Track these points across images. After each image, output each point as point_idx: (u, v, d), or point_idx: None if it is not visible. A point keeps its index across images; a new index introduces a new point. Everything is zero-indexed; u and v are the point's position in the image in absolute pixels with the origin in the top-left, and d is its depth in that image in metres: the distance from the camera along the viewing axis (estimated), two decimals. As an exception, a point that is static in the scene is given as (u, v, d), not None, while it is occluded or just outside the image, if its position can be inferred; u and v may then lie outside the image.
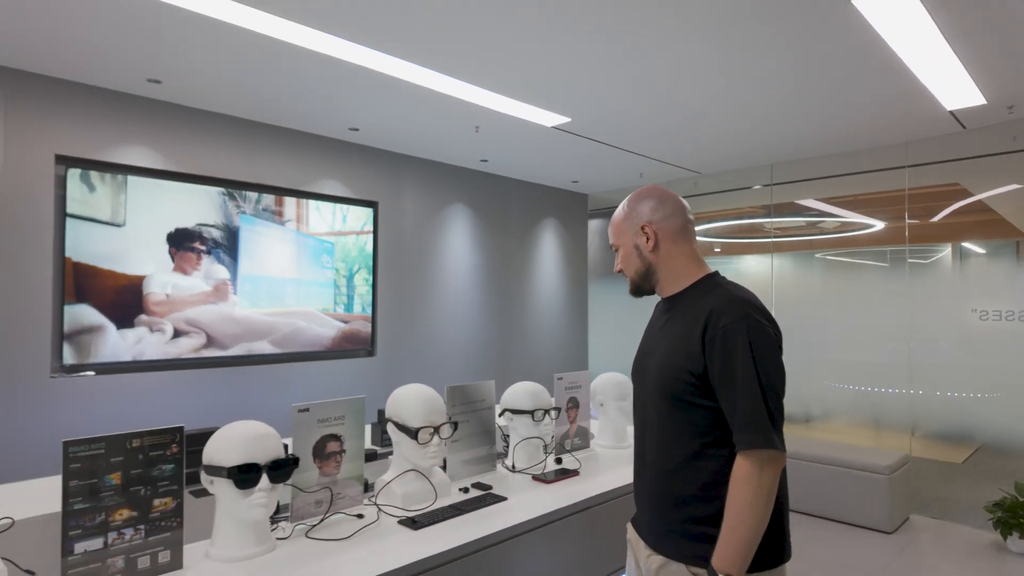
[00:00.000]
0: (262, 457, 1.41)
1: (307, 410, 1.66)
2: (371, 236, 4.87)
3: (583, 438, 2.44)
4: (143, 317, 3.68)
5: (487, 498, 1.84)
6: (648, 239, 1.41)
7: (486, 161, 5.34)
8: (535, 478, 2.06)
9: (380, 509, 1.73)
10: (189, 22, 2.67)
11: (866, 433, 5.13)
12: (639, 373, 1.48)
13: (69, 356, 3.41)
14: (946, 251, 4.81)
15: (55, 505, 1.75)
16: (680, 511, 1.31)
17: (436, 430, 1.79)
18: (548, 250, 6.43)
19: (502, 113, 3.92)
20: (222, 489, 1.39)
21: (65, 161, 3.42)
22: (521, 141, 4.65)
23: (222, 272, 4.05)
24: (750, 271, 6.10)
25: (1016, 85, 3.45)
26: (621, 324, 6.76)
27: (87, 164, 3.49)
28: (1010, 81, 3.38)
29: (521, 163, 5.45)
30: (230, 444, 1.40)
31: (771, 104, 3.82)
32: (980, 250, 4.74)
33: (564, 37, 2.84)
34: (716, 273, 1.42)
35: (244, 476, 1.37)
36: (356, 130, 4.39)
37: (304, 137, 4.43)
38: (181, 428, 1.35)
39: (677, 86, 3.50)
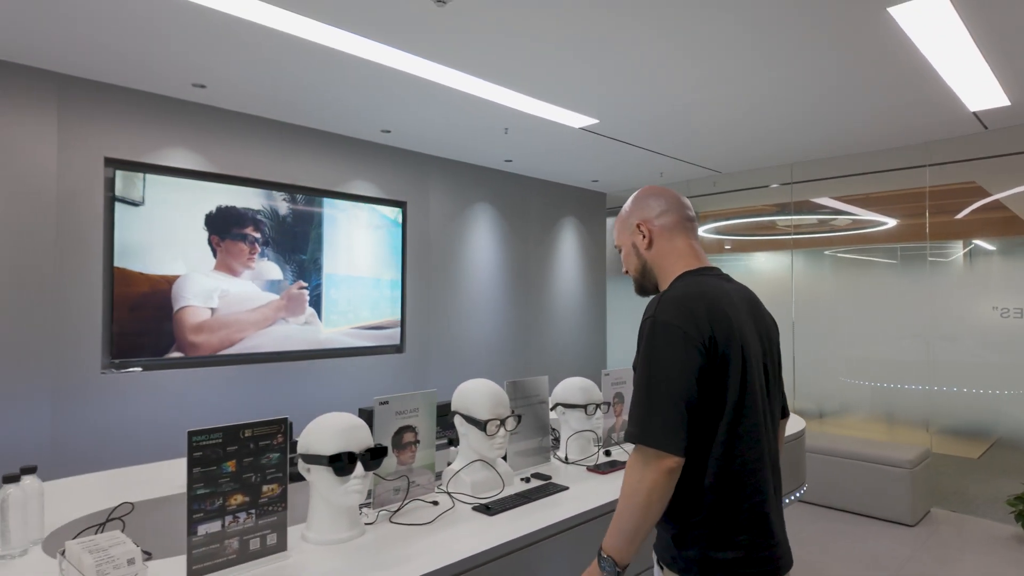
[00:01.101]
0: (356, 446, 1.52)
1: (387, 403, 1.76)
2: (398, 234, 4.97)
3: (621, 428, 2.54)
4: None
5: (549, 487, 1.94)
6: (644, 237, 1.42)
7: (510, 161, 5.43)
8: (590, 469, 2.16)
9: (452, 496, 1.83)
10: (233, 27, 2.75)
11: (881, 428, 5.22)
12: None
13: (118, 352, 3.52)
14: (963, 249, 4.88)
15: (142, 493, 1.86)
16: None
17: (502, 422, 1.89)
18: (567, 248, 6.52)
19: (532, 115, 4.01)
20: (319, 476, 1.49)
21: (113, 164, 3.52)
22: (547, 142, 4.74)
23: (279, 271, 4.15)
24: (762, 268, 6.20)
25: (1040, 87, 3.52)
26: (638, 321, 6.84)
27: (134, 166, 3.59)
28: (1035, 84, 3.46)
29: (544, 163, 5.54)
30: (328, 434, 1.50)
31: (797, 106, 3.90)
32: (991, 248, 4.82)
33: (597, 41, 2.92)
34: (700, 269, 1.37)
35: (342, 464, 1.47)
36: (388, 132, 4.49)
37: (338, 139, 4.53)
38: (286, 419, 1.45)
39: (707, 89, 3.58)
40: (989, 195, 4.82)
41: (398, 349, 4.97)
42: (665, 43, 2.95)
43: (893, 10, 2.60)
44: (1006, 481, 4.31)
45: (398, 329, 4.94)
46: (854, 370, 5.32)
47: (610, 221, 7.08)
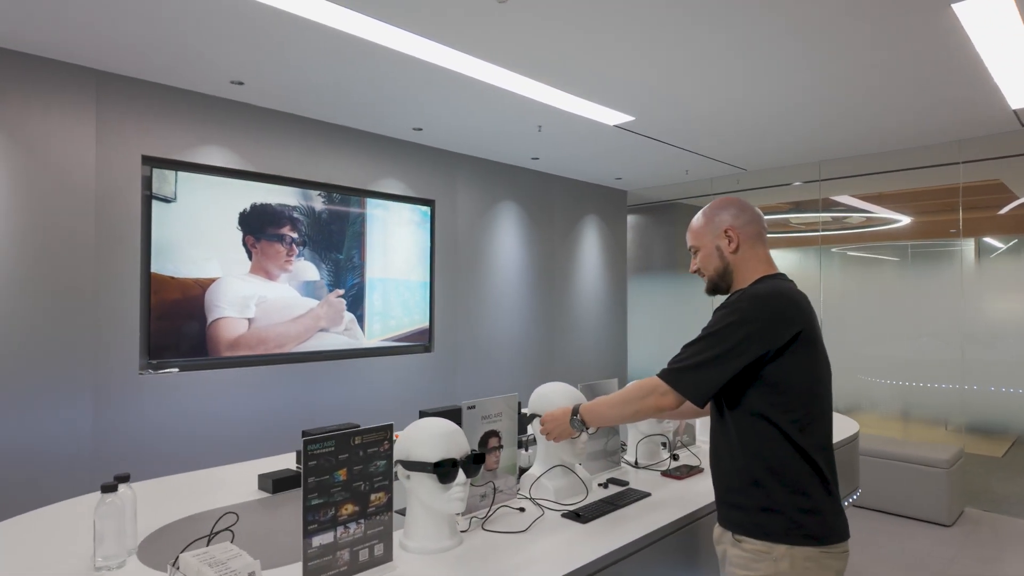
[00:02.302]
0: (457, 452, 1.48)
1: (474, 407, 1.72)
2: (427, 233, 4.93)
3: (690, 435, 2.51)
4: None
5: (630, 493, 1.91)
6: (730, 241, 1.55)
7: (537, 159, 5.39)
8: (665, 474, 2.13)
9: (535, 502, 1.79)
10: (272, 20, 2.68)
11: (906, 426, 5.21)
12: None
13: (155, 353, 3.47)
14: (1002, 246, 4.86)
15: (203, 503, 1.82)
16: (721, 482, 1.52)
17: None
18: (590, 246, 6.49)
19: (567, 112, 3.97)
20: (421, 483, 1.46)
21: (150, 162, 3.47)
22: (577, 139, 4.70)
23: (316, 272, 4.11)
24: (784, 266, 6.18)
25: (1087, 85, 3.49)
26: (659, 318, 6.83)
27: (171, 164, 3.54)
28: (1083, 81, 3.43)
29: (571, 161, 5.50)
30: (431, 440, 1.46)
31: (834, 105, 3.87)
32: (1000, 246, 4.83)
33: (638, 38, 2.87)
34: (778, 275, 1.54)
35: (446, 470, 1.43)
36: (420, 130, 4.44)
37: (369, 137, 4.48)
38: (391, 426, 1.41)
39: (749, 87, 3.55)
40: (1014, 194, 4.81)
41: (427, 348, 4.93)
42: (711, 40, 2.92)
43: (957, 6, 2.57)
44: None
45: (427, 329, 4.90)
46: (879, 368, 5.30)
47: (630, 219, 7.05)
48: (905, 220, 5.40)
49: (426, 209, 4.91)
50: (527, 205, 5.75)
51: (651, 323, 6.90)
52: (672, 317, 6.73)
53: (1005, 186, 4.92)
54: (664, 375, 1.49)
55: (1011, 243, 4.80)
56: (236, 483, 2.04)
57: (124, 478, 1.46)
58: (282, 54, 3.07)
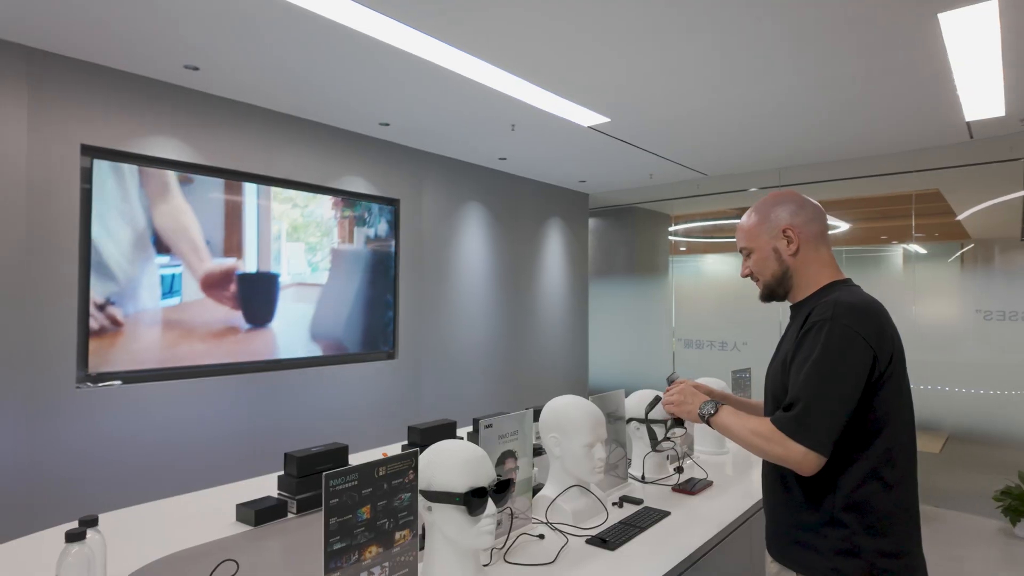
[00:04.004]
0: (485, 480, 1.32)
1: (491, 426, 1.57)
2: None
3: (689, 446, 2.43)
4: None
5: (650, 513, 1.80)
6: (790, 242, 1.38)
7: (505, 159, 5.26)
8: (676, 489, 2.03)
9: (554, 527, 1.66)
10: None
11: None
12: (765, 380, 1.47)
13: (95, 364, 3.13)
14: (955, 253, 5.09)
15: (178, 540, 1.59)
16: (789, 516, 1.33)
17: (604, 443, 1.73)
18: (553, 249, 6.41)
19: (542, 110, 3.85)
20: (446, 516, 1.29)
21: (91, 152, 3.13)
22: (549, 140, 4.60)
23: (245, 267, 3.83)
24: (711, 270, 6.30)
25: (1039, 99, 3.67)
26: (619, 322, 6.82)
27: (114, 155, 3.20)
28: (1037, 96, 3.59)
29: (538, 162, 5.40)
30: (458, 468, 1.30)
31: (805, 112, 3.92)
32: (923, 251, 5.08)
33: (620, 38, 2.80)
34: (847, 280, 1.39)
35: (477, 501, 1.27)
36: (387, 125, 4.23)
37: (332, 132, 4.23)
38: (415, 452, 1.24)
39: (724, 93, 3.54)
40: (948, 203, 5.05)
41: (390, 355, 4.71)
42: (690, 46, 2.89)
43: (943, 16, 2.60)
44: (974, 476, 4.49)
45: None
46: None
47: (592, 222, 7.02)
48: (845, 226, 5.56)
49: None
50: (493, 206, 5.61)
51: (611, 327, 6.88)
52: (631, 320, 6.73)
53: (942, 195, 5.15)
54: (791, 429, 1.21)
55: (947, 249, 5.02)
56: (210, 514, 1.80)
57: (91, 522, 1.23)
58: (241, 38, 2.81)
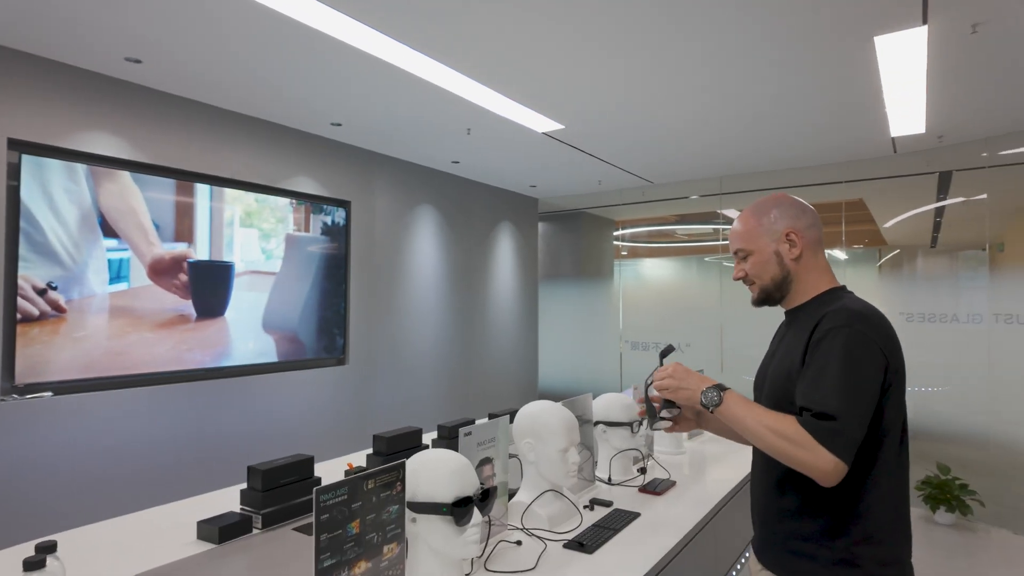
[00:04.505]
0: (471, 489, 1.32)
1: (470, 433, 1.56)
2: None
3: (649, 446, 2.49)
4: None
5: (621, 515, 1.84)
6: (793, 246, 1.35)
7: (458, 163, 5.24)
8: (642, 490, 2.08)
9: (530, 533, 1.67)
10: None
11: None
12: (757, 385, 1.45)
13: (22, 375, 2.91)
14: (880, 259, 5.43)
15: (138, 561, 1.51)
16: (784, 525, 1.28)
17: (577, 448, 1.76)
18: (504, 253, 6.43)
19: (497, 115, 3.86)
20: (432, 527, 1.28)
21: (19, 146, 2.91)
22: (503, 144, 4.62)
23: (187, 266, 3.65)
24: (653, 273, 6.55)
25: (954, 119, 3.98)
26: (567, 324, 6.92)
27: (45, 151, 2.99)
28: (951, 115, 3.89)
29: (491, 167, 5.41)
30: (445, 478, 1.29)
31: (746, 123, 4.10)
32: (843, 256, 5.45)
33: (577, 46, 2.85)
34: (844, 287, 1.37)
35: (464, 510, 1.27)
36: (339, 125, 4.14)
37: (282, 131, 4.10)
38: (403, 463, 1.22)
39: (671, 105, 3.68)
40: (869, 212, 5.42)
41: (340, 361, 4.60)
42: (645, 59, 2.99)
43: (879, 39, 2.79)
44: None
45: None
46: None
47: (541, 226, 7.08)
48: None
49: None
50: (445, 210, 5.58)
51: (560, 330, 6.97)
52: (579, 323, 6.85)
53: (865, 204, 5.51)
54: (825, 438, 1.13)
55: (870, 255, 5.37)
56: (170, 532, 1.71)
57: (49, 547, 1.14)
58: (188, 31, 2.68)
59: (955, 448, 4.41)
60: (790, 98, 3.61)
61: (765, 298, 1.41)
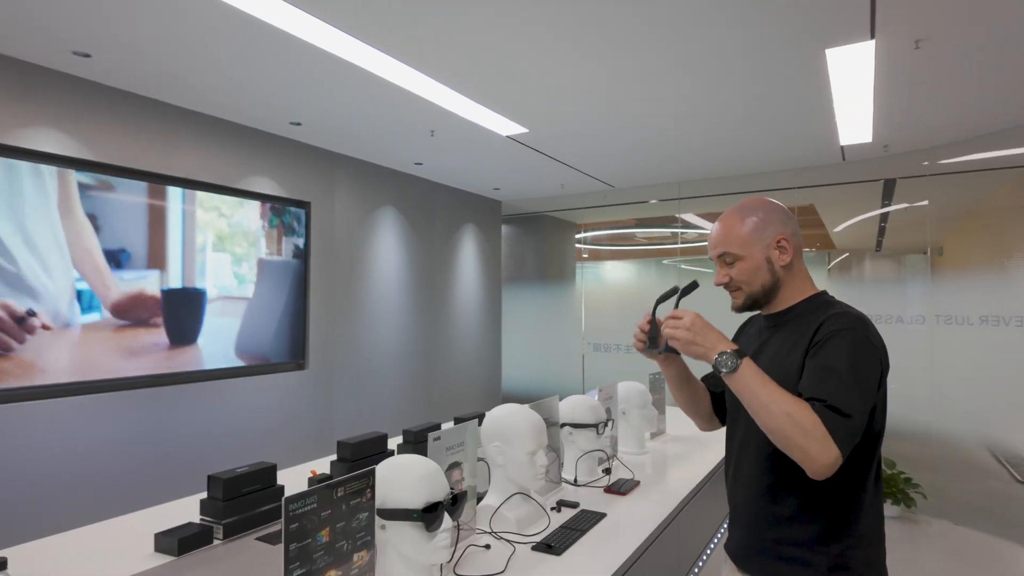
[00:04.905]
0: (441, 494, 1.32)
1: (439, 438, 1.56)
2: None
3: (613, 447, 2.53)
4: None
5: (587, 515, 1.86)
6: (783, 253, 1.31)
7: (421, 164, 5.21)
8: (607, 491, 2.11)
9: (499, 536, 1.67)
10: None
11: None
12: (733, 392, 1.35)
13: (-40, 383, 2.76)
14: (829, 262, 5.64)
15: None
16: (776, 531, 1.25)
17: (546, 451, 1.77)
18: (467, 255, 6.42)
19: (461, 117, 3.85)
20: (401, 534, 1.27)
21: (-44, 142, 2.76)
22: (467, 147, 4.62)
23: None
24: (613, 276, 6.70)
25: (898, 129, 4.17)
26: (530, 326, 6.96)
27: (-15, 147, 2.85)
28: (896, 126, 4.08)
29: (455, 169, 5.40)
30: (414, 484, 1.28)
31: (704, 131, 4.21)
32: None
33: (543, 52, 2.88)
34: (826, 292, 1.36)
35: (434, 516, 1.26)
36: (298, 125, 4.06)
37: (239, 130, 4.00)
38: (373, 470, 1.21)
39: (633, 111, 3.76)
40: (820, 217, 5.64)
41: (299, 365, 4.51)
42: (609, 66, 3.05)
43: (830, 52, 2.90)
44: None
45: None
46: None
47: (504, 229, 7.10)
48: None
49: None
50: (408, 212, 5.53)
51: (523, 332, 7.00)
52: (542, 325, 6.89)
53: (815, 209, 5.73)
54: (839, 434, 1.09)
55: (819, 259, 5.59)
56: (126, 544, 1.65)
57: (0, 564, 1.09)
58: (139, 24, 2.59)
59: (900, 444, 4.60)
60: (745, 108, 3.72)
61: (751, 304, 1.37)
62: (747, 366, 1.18)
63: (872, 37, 2.73)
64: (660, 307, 1.44)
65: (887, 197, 5.23)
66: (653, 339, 1.40)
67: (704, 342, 1.24)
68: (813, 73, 3.15)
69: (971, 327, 4.36)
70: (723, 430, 1.50)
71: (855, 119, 3.93)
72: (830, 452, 1.08)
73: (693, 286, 1.44)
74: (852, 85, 3.32)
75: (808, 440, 1.08)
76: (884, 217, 5.29)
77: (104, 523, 1.82)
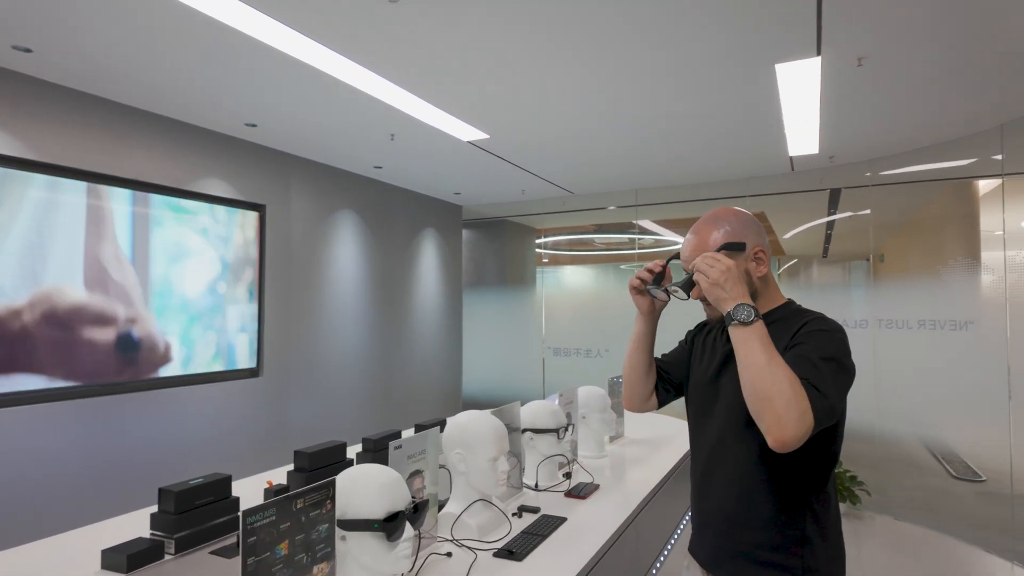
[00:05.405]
0: (402, 503, 1.31)
1: (400, 447, 1.55)
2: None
3: (573, 451, 2.56)
4: None
5: (548, 520, 1.87)
6: (760, 264, 1.31)
7: (380, 168, 5.16)
8: (568, 495, 2.13)
9: (460, 544, 1.67)
10: None
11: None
12: (703, 396, 1.40)
13: None
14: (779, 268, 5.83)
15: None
16: (753, 535, 1.25)
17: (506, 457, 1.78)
18: (427, 260, 6.39)
19: (421, 121, 3.84)
20: (362, 544, 1.26)
21: None
22: (427, 151, 4.60)
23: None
24: (572, 281, 6.81)
25: (843, 141, 4.36)
26: (491, 331, 6.96)
27: (-87, 145, 2.69)
28: (841, 138, 4.27)
29: (415, 173, 5.37)
30: (374, 493, 1.27)
31: (664, 140, 4.32)
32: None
33: (504, 59, 2.91)
34: (793, 300, 1.37)
35: (396, 525, 1.26)
36: (254, 126, 3.97)
37: (191, 130, 3.88)
38: (333, 481, 1.20)
39: (592, 119, 3.83)
40: (770, 224, 5.84)
41: (253, 373, 4.40)
42: (570, 74, 3.10)
43: (779, 66, 3.02)
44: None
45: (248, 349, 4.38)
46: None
47: (465, 233, 7.09)
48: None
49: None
50: (366, 215, 5.47)
51: (484, 337, 7.00)
52: (503, 330, 6.91)
53: (767, 217, 5.93)
54: (817, 406, 1.10)
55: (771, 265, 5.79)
56: (71, 562, 1.58)
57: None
58: (84, 18, 2.48)
59: (845, 443, 4.76)
60: (699, 119, 3.83)
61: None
62: (761, 325, 1.16)
63: (818, 54, 2.85)
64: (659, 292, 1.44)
65: (833, 206, 5.45)
66: (656, 284, 1.41)
67: (731, 290, 1.20)
68: (764, 87, 3.27)
69: (910, 331, 4.58)
70: (686, 434, 1.51)
71: (803, 131, 4.09)
72: (806, 426, 1.07)
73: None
74: (800, 99, 3.45)
75: (789, 409, 1.07)
76: (830, 225, 5.51)
77: (47, 540, 1.73)
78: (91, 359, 3.33)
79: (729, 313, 1.18)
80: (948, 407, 4.46)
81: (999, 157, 4.05)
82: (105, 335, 3.40)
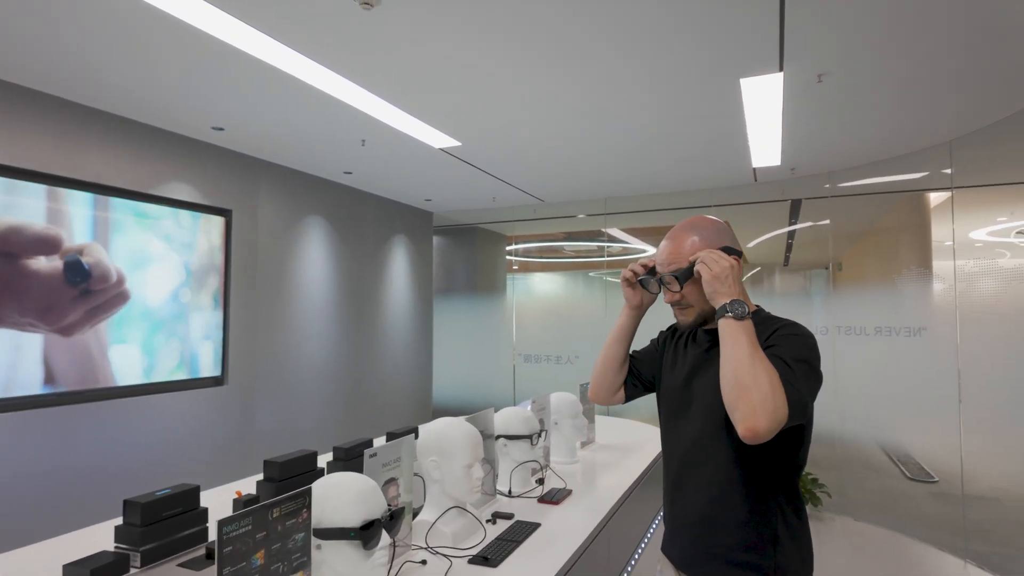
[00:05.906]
0: (378, 511, 1.31)
1: (375, 455, 1.54)
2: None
3: (546, 457, 2.58)
4: None
5: (523, 526, 1.89)
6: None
7: (350, 173, 5.12)
8: (541, 500, 2.15)
9: (435, 552, 1.67)
10: None
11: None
12: (676, 399, 1.42)
13: None
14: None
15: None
16: (728, 536, 1.27)
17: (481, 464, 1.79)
18: (398, 266, 6.35)
19: (393, 128, 3.83)
20: (338, 553, 1.26)
21: None
22: (399, 157, 4.59)
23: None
24: (542, 288, 6.88)
25: (803, 154, 4.51)
26: (461, 338, 6.95)
27: None
28: (801, 151, 4.42)
29: (385, 178, 5.34)
30: (351, 501, 1.27)
31: (632, 150, 4.40)
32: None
33: (477, 67, 2.93)
34: (761, 308, 1.41)
35: (372, 533, 1.26)
36: (220, 130, 3.91)
37: (155, 133, 3.80)
38: (309, 490, 1.19)
39: (563, 128, 3.89)
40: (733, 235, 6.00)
41: (218, 381, 4.31)
42: (542, 84, 3.14)
43: (744, 81, 3.11)
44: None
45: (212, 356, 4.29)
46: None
47: (436, 240, 7.08)
48: (652, 251, 6.33)
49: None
50: (336, 221, 5.42)
51: (455, 344, 6.98)
52: (474, 337, 6.90)
53: (730, 227, 6.08)
54: (792, 397, 1.14)
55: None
56: (26, 581, 1.52)
57: None
58: (41, 16, 2.42)
59: (807, 446, 4.92)
60: (666, 129, 3.92)
61: (701, 321, 1.38)
62: (750, 322, 1.21)
63: (780, 69, 2.95)
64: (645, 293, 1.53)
65: (794, 216, 5.62)
66: (648, 277, 1.45)
67: (731, 286, 1.25)
68: (729, 100, 3.37)
69: (867, 337, 4.75)
70: (656, 439, 1.56)
71: (766, 143, 4.22)
72: (779, 419, 1.10)
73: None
74: (763, 112, 3.57)
75: (764, 401, 1.10)
76: (791, 234, 5.68)
77: (5, 555, 1.67)
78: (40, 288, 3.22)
79: (724, 306, 1.23)
80: (903, 411, 4.63)
81: (948, 171, 4.25)
82: (52, 263, 3.29)
